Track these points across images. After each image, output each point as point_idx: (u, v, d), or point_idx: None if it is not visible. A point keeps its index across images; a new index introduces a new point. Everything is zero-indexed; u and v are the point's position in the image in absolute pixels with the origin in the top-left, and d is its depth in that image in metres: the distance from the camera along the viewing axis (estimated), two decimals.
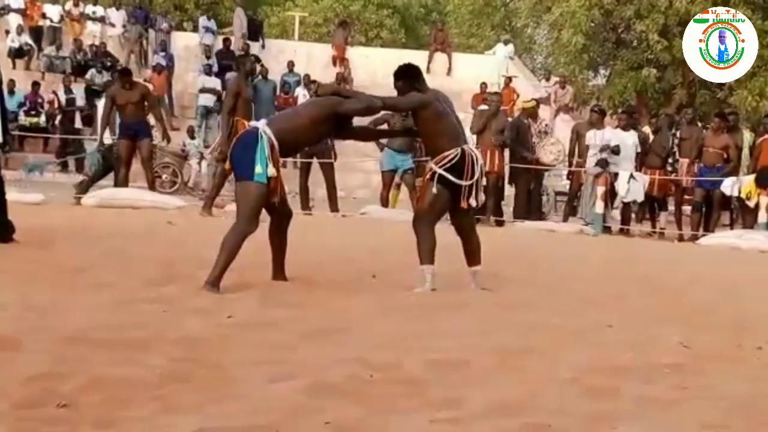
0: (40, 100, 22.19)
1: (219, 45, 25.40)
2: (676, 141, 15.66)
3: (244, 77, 13.42)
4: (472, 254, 7.38)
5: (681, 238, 15.03)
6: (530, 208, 15.92)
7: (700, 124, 17.47)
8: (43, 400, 3.77)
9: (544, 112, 20.91)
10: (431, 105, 7.14)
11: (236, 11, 26.41)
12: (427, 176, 7.17)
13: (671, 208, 16.20)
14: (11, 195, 13.01)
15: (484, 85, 23.33)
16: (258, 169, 6.58)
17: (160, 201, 14.20)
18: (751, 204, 14.43)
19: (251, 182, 6.63)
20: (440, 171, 7.05)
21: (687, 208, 15.93)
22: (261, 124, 6.76)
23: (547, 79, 26.46)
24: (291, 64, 24.78)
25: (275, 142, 6.65)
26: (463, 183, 7.11)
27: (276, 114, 8.35)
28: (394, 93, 7.38)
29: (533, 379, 4.53)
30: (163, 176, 19.39)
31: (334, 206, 14.68)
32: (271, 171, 6.61)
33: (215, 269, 6.58)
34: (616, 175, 15.22)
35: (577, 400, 4.19)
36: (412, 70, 7.32)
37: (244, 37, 25.27)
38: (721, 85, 25.15)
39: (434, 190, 7.08)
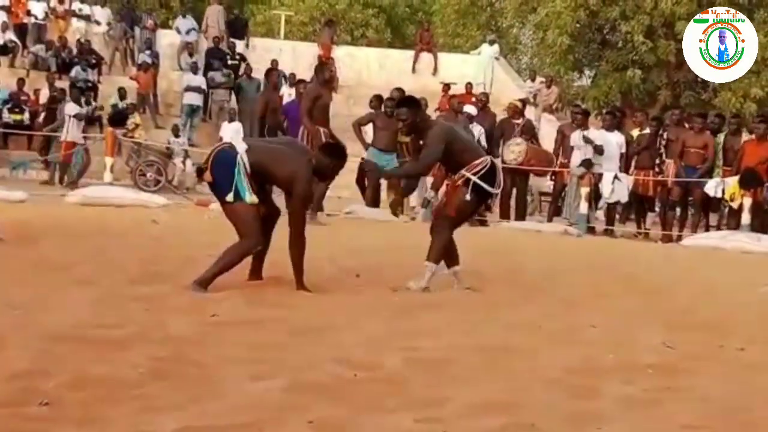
0: (24, 98, 22.08)
1: (204, 43, 25.31)
2: (663, 142, 15.69)
3: (323, 84, 13.34)
4: (455, 255, 7.41)
5: (665, 239, 15.07)
6: (516, 209, 15.96)
7: (686, 125, 17.49)
8: (25, 398, 3.75)
9: (529, 112, 20.91)
10: (449, 133, 7.30)
11: (211, 7, 26.26)
12: (459, 182, 7.21)
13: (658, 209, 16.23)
14: None
15: (469, 85, 23.31)
16: (247, 196, 6.61)
17: (144, 199, 14.16)
18: (735, 206, 14.47)
19: (240, 204, 6.64)
20: (475, 179, 7.15)
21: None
22: (241, 150, 6.70)
23: (533, 80, 26.47)
24: (275, 63, 24.70)
25: (248, 170, 6.64)
26: (495, 191, 7.41)
27: (260, 141, 8.21)
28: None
29: (516, 378, 4.54)
30: (148, 174, 19.32)
31: (318, 205, 14.67)
32: (253, 199, 6.62)
33: (209, 272, 6.59)
34: (600, 175, 15.26)
35: (560, 399, 4.20)
36: (416, 101, 7.56)
37: (221, 34, 25.18)
38: (705, 87, 25.26)
39: (467, 197, 7.18)
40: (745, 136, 15.64)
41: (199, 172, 7.02)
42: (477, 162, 7.20)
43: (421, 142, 7.38)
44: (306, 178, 6.74)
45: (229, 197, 6.63)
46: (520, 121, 16.17)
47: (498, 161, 7.63)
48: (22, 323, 5.07)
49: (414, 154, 7.97)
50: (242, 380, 4.23)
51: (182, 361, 4.48)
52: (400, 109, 7.40)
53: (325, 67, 13.39)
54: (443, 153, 7.20)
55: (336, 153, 7.15)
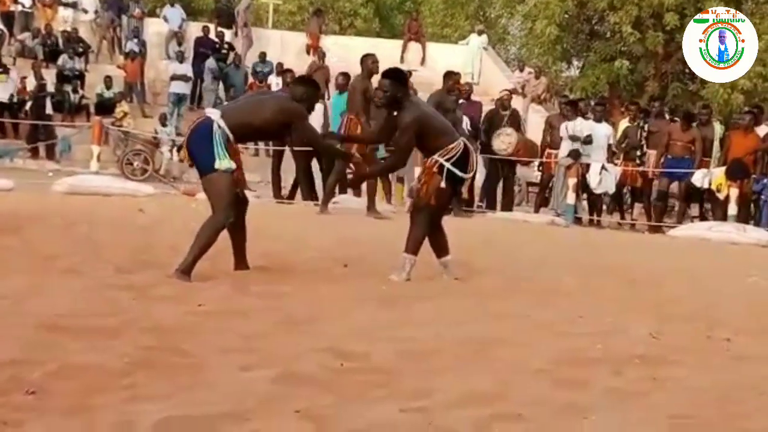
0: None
1: (193, 32, 25.27)
2: (644, 134, 15.76)
3: (367, 76, 13.24)
4: (444, 245, 7.40)
5: (652, 230, 15.12)
6: (504, 199, 15.99)
7: (668, 116, 17.55)
8: (11, 386, 3.74)
9: (517, 102, 20.92)
10: (423, 117, 7.22)
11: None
12: (434, 169, 7.15)
13: None
14: None
15: (457, 74, 23.30)
16: (218, 162, 6.59)
17: (131, 188, 14.14)
18: (721, 196, 14.52)
19: (217, 174, 6.62)
20: (448, 165, 7.09)
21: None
22: (216, 116, 6.72)
23: (521, 70, 26.48)
24: (263, 55, 24.67)
25: (230, 135, 6.64)
26: (467, 176, 7.26)
27: (232, 103, 8.29)
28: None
29: (504, 369, 4.54)
30: (135, 163, 19.30)
31: (306, 195, 14.66)
32: (230, 164, 6.61)
33: (188, 258, 6.55)
34: (587, 166, 15.29)
35: (547, 390, 4.21)
36: (402, 75, 7.41)
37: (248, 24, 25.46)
38: (693, 78, 25.28)
39: (442, 184, 7.12)
40: (718, 128, 15.74)
41: (179, 149, 7.05)
42: (450, 146, 7.12)
43: (393, 114, 7.26)
44: (290, 108, 6.82)
45: (217, 163, 6.58)
46: (507, 111, 16.17)
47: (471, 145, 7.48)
48: (8, 312, 5.05)
49: (377, 128, 7.93)
50: (230, 370, 4.22)
51: (169, 351, 4.47)
52: (384, 81, 7.27)
53: (368, 56, 13.23)
54: (419, 138, 7.14)
55: (308, 81, 7.34)
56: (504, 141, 15.60)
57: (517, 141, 15.67)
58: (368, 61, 12.85)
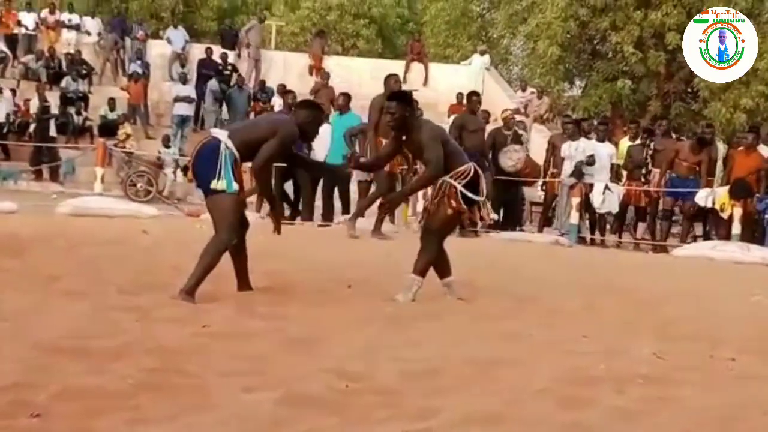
0: (15, 108, 22.06)
1: (196, 53, 25.35)
2: (650, 152, 15.75)
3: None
4: (447, 266, 7.40)
5: (655, 249, 15.10)
6: (510, 218, 15.97)
7: (674, 135, 17.57)
8: (15, 410, 3.74)
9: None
10: (442, 132, 7.35)
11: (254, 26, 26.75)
12: (446, 192, 7.15)
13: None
14: None
15: (460, 95, 23.35)
16: (215, 183, 6.61)
17: (135, 210, 14.14)
18: (725, 216, 14.50)
19: (223, 195, 6.63)
20: (460, 188, 7.10)
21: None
22: (223, 137, 6.75)
23: (523, 90, 26.54)
24: (262, 84, 24.66)
25: (237, 155, 6.67)
26: (480, 199, 7.24)
27: (237, 124, 8.37)
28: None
29: (508, 389, 4.54)
30: (138, 185, 19.34)
31: (307, 214, 14.71)
32: (225, 185, 6.63)
33: (192, 279, 6.55)
34: (591, 186, 15.29)
35: (551, 410, 4.20)
36: (407, 96, 7.52)
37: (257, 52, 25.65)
38: (695, 97, 25.33)
39: (462, 206, 7.14)
40: (721, 147, 15.72)
41: (185, 170, 7.09)
42: (461, 169, 7.15)
43: (404, 138, 7.33)
44: (279, 127, 6.86)
45: (214, 184, 6.62)
46: (510, 132, 16.18)
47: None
48: (11, 334, 5.05)
49: (384, 152, 7.96)
50: (234, 391, 4.22)
51: (173, 373, 4.47)
52: (390, 103, 7.32)
53: (391, 76, 13.31)
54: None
55: (311, 105, 7.40)
56: (512, 157, 15.61)
57: (526, 157, 15.71)
58: (391, 81, 12.94)
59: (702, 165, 15.01)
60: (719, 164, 15.68)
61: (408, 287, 7.14)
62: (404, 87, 23.49)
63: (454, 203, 7.12)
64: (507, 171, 15.64)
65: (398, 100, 7.30)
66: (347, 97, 15.20)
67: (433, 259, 7.24)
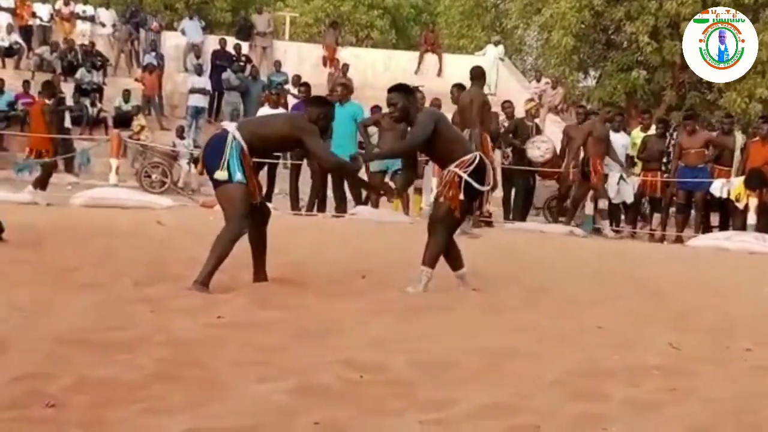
0: (30, 100, 22.09)
1: (210, 45, 25.37)
2: (672, 142, 15.67)
3: (481, 87, 13.49)
4: (459, 257, 7.38)
5: (668, 239, 15.05)
6: (525, 209, 15.99)
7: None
8: (30, 400, 3.75)
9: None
10: (439, 116, 7.27)
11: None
12: (452, 181, 7.10)
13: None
14: (0, 194, 13.06)
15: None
16: (219, 173, 6.64)
17: (150, 201, 14.18)
18: (741, 206, 14.45)
19: (231, 185, 6.65)
20: (466, 177, 7.05)
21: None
22: (231, 128, 6.78)
23: (538, 80, 26.47)
24: (278, 64, 24.78)
25: (245, 146, 6.68)
26: (484, 189, 7.22)
27: (248, 118, 8.42)
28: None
29: (522, 380, 4.53)
30: (153, 176, 19.37)
31: (320, 206, 14.73)
32: (242, 177, 6.64)
33: (205, 269, 6.57)
34: (606, 176, 15.23)
35: (565, 401, 4.19)
36: (408, 87, 7.45)
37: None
38: (710, 87, 25.21)
39: (460, 197, 7.09)
40: (739, 137, 15.64)
41: (195, 162, 7.10)
42: (467, 158, 7.09)
43: (408, 129, 7.34)
44: (300, 124, 6.86)
45: (218, 174, 6.64)
46: (532, 123, 16.21)
47: (497, 157, 7.51)
48: (26, 325, 5.07)
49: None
50: (248, 382, 4.22)
51: (187, 364, 4.48)
52: (391, 95, 7.26)
53: (479, 68, 13.50)
54: (433, 140, 7.08)
55: (323, 102, 7.35)
56: (540, 147, 15.64)
57: (553, 148, 15.74)
58: (479, 71, 13.34)
59: (711, 143, 15.03)
60: (737, 154, 15.60)
61: (418, 279, 7.14)
62: (418, 78, 23.65)
63: (451, 192, 7.09)
64: (535, 162, 15.67)
65: (399, 91, 7.26)
66: (346, 86, 15.30)
67: (442, 249, 7.20)
